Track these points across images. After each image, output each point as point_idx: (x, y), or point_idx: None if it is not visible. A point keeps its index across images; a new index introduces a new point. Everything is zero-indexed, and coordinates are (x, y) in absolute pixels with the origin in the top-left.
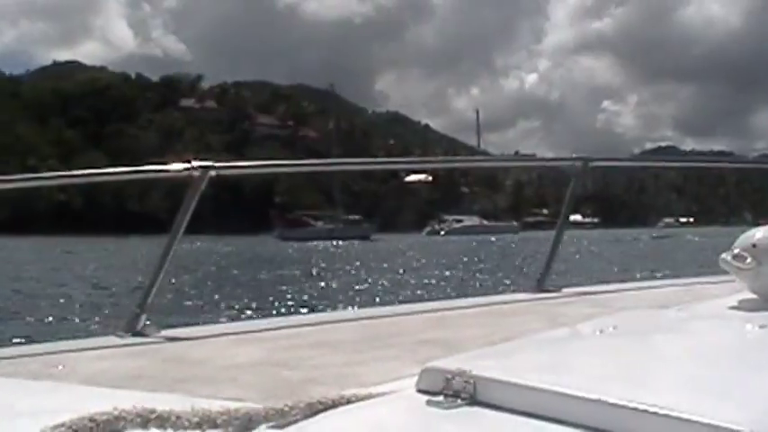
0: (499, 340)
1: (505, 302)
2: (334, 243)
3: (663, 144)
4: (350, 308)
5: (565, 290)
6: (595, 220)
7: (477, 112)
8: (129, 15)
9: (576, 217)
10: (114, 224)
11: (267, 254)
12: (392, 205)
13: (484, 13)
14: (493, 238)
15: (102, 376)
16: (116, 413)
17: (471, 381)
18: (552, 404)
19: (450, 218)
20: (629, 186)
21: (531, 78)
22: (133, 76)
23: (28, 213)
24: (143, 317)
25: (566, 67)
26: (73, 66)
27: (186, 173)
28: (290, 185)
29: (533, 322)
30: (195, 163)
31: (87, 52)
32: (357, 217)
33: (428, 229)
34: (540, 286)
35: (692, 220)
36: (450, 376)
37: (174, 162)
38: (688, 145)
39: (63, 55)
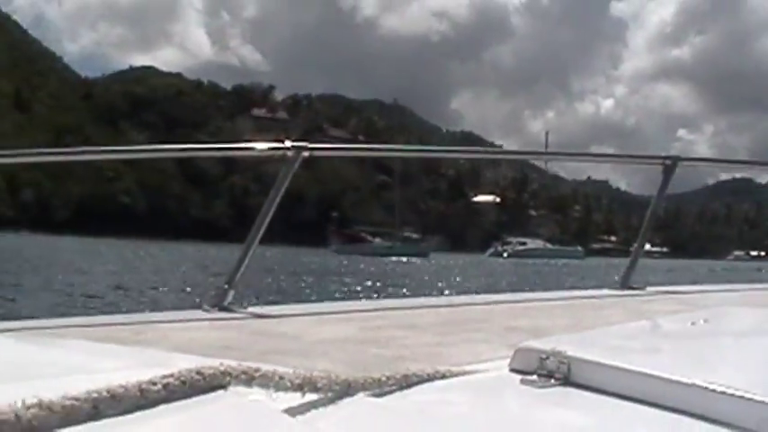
0: (586, 330)
1: (590, 297)
2: (392, 259)
3: (738, 176)
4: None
5: (649, 288)
6: (664, 249)
7: (547, 134)
8: (207, 23)
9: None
10: (177, 229)
11: (316, 264)
12: (458, 225)
13: (562, 36)
14: (557, 263)
15: (191, 345)
16: (222, 368)
17: (566, 361)
18: (647, 387)
19: (514, 240)
20: (700, 216)
21: (607, 104)
22: (206, 83)
23: (91, 214)
24: (231, 292)
25: (642, 93)
26: (148, 71)
27: (280, 152)
28: (357, 199)
29: (619, 316)
30: (289, 143)
31: (164, 58)
32: (415, 235)
33: (491, 250)
34: (625, 284)
35: (763, 253)
36: (544, 356)
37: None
38: (764, 178)
39: (140, 60)
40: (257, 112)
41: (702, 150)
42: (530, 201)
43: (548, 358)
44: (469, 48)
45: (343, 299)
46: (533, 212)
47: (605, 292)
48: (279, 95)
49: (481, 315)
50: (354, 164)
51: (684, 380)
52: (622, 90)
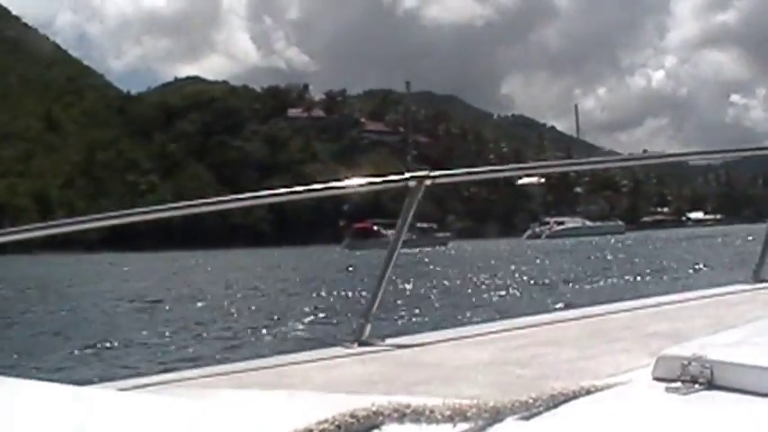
0: (726, 329)
1: (724, 294)
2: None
3: None
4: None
5: None
6: (717, 216)
7: (576, 107)
8: (251, 29)
9: (697, 214)
10: (215, 237)
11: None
12: (504, 209)
13: (607, 11)
14: (593, 240)
15: (337, 383)
16: (374, 408)
17: (708, 365)
18: None
19: (551, 220)
20: (753, 181)
21: (658, 75)
22: (241, 87)
23: (128, 229)
24: (368, 326)
25: (692, 62)
26: (194, 81)
27: (402, 183)
28: (399, 192)
29: (756, 311)
30: (408, 174)
31: (210, 67)
32: (432, 225)
33: (529, 232)
34: (757, 277)
35: None
36: (686, 362)
37: (350, 177)
38: None
39: (187, 70)
40: (293, 112)
41: (757, 114)
42: (577, 179)
43: (690, 364)
44: (515, 31)
45: (480, 321)
46: (580, 190)
47: (738, 287)
48: (317, 94)
49: (619, 323)
50: (395, 154)
51: None
52: (672, 60)
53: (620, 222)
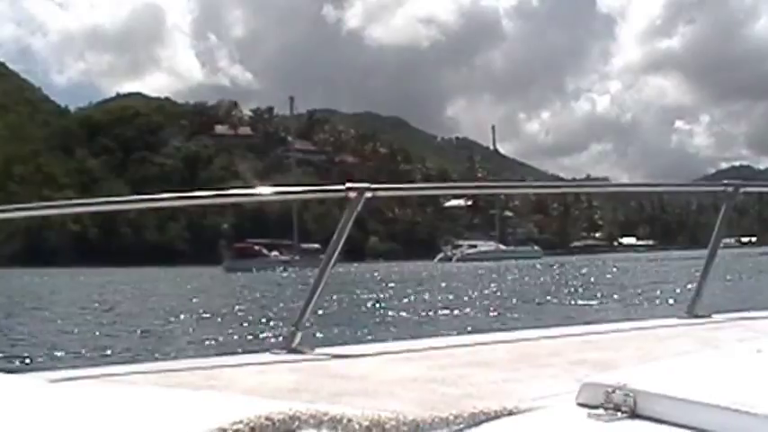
0: (653, 362)
1: (656, 327)
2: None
3: (737, 164)
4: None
5: (716, 315)
6: (650, 242)
7: (493, 127)
8: (195, 46)
9: (630, 239)
10: (131, 254)
11: None
12: (427, 231)
13: (553, 36)
14: (500, 265)
15: (261, 389)
16: (291, 413)
17: (631, 394)
18: (714, 418)
19: (465, 243)
20: (686, 207)
21: (603, 100)
22: (167, 104)
23: (41, 245)
24: (299, 335)
25: (636, 87)
26: (135, 97)
27: (342, 194)
28: (318, 213)
29: (686, 345)
30: (349, 184)
31: (154, 84)
32: (316, 246)
33: (440, 255)
34: (691, 312)
35: (753, 239)
36: (610, 390)
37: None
38: (764, 163)
39: (130, 86)
40: (220, 129)
41: (701, 141)
42: (507, 202)
43: (614, 392)
44: (461, 54)
45: (410, 337)
46: (509, 213)
47: (672, 321)
48: (248, 111)
49: (549, 349)
50: (320, 173)
51: (752, 410)
52: (617, 86)
53: (537, 247)
